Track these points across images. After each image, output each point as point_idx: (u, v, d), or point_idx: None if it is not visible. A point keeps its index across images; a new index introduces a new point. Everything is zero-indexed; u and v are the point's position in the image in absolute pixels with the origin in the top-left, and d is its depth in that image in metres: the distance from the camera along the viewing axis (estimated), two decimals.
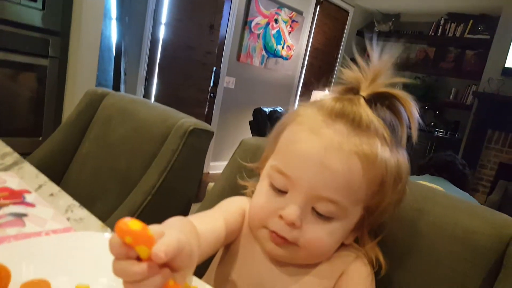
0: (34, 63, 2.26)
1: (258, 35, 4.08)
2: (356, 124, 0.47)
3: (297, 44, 4.53)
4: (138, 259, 0.31)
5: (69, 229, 0.52)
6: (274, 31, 4.19)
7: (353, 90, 0.52)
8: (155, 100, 3.69)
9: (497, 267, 0.53)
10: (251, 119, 3.41)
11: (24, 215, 0.54)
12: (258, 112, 3.34)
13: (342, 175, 0.46)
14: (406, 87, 0.53)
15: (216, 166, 4.08)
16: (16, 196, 0.59)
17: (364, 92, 0.51)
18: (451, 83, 4.62)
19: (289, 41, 4.41)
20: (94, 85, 2.48)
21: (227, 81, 4.00)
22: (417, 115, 0.51)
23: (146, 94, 3.63)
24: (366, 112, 0.48)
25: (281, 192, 0.50)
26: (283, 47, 4.37)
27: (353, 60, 0.52)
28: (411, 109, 0.51)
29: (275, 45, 4.27)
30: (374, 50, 0.50)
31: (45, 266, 0.43)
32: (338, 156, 0.46)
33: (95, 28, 2.39)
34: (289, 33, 4.37)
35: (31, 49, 2.21)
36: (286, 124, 0.54)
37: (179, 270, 0.34)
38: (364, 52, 0.53)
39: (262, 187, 0.53)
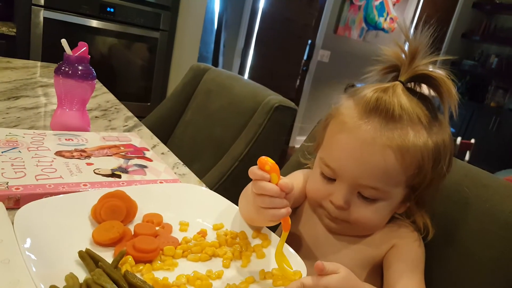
0: (147, 35, 2.54)
1: (359, 7, 3.92)
2: (390, 117, 0.52)
3: (402, 16, 4.26)
4: None
5: (176, 180, 0.68)
6: (377, 3, 3.98)
7: (394, 69, 0.57)
8: (249, 71, 3.86)
9: None
10: (343, 94, 3.38)
11: (145, 166, 0.71)
12: (350, 88, 3.30)
13: (377, 166, 0.52)
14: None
15: (301, 141, 4.13)
16: (139, 152, 0.77)
17: (403, 76, 0.55)
18: None
19: (393, 13, 4.16)
20: (197, 56, 2.71)
21: (321, 54, 3.94)
22: (455, 92, 0.53)
23: (241, 66, 3.80)
24: (399, 102, 0.52)
25: (331, 179, 0.58)
26: (385, 19, 4.14)
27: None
28: (449, 88, 0.53)
29: (376, 17, 4.06)
30: (408, 30, 0.55)
31: (159, 205, 0.59)
32: (372, 150, 0.52)
33: (201, 3, 2.59)
34: (394, 4, 4.11)
35: (145, 22, 2.49)
36: (330, 118, 0.61)
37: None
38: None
39: (315, 174, 0.62)
